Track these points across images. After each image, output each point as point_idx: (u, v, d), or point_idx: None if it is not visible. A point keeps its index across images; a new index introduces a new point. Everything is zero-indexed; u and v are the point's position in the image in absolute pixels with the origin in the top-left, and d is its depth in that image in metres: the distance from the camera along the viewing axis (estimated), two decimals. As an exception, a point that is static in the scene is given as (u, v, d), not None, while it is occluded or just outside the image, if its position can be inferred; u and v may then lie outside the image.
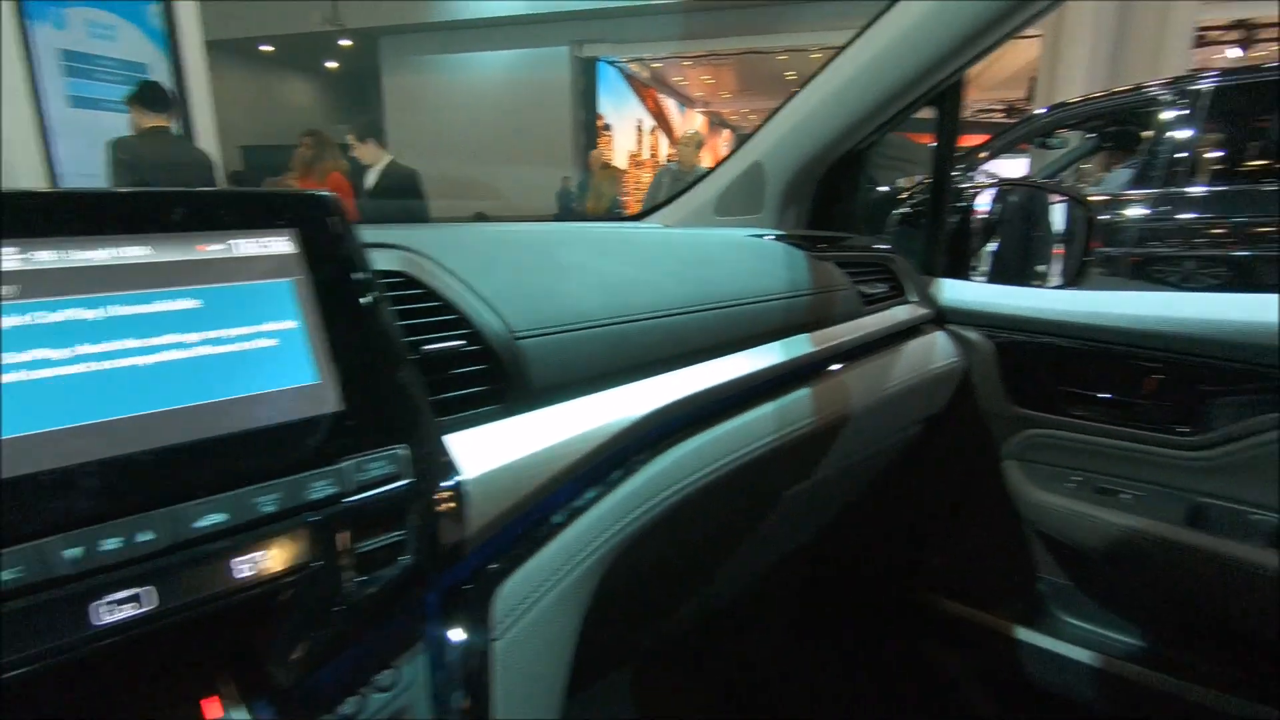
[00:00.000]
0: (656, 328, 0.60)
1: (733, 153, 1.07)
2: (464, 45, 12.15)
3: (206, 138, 4.09)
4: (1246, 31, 9.12)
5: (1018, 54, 12.04)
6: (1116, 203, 3.44)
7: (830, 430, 0.71)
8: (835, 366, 0.76)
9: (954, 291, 0.99)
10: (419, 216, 3.88)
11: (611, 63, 12.58)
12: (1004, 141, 4.09)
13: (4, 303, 0.31)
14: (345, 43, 12.38)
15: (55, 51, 3.51)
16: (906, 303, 0.94)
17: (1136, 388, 0.84)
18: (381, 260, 0.49)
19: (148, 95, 3.04)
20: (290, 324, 0.38)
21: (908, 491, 1.05)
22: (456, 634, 0.41)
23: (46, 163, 3.45)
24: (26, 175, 3.31)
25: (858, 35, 0.88)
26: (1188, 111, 3.33)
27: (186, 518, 0.31)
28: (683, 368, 0.61)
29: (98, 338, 0.33)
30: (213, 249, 0.37)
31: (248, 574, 0.32)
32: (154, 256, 0.35)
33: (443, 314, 0.48)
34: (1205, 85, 3.35)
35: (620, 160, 13.22)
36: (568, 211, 8.70)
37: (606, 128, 12.89)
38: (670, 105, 15.89)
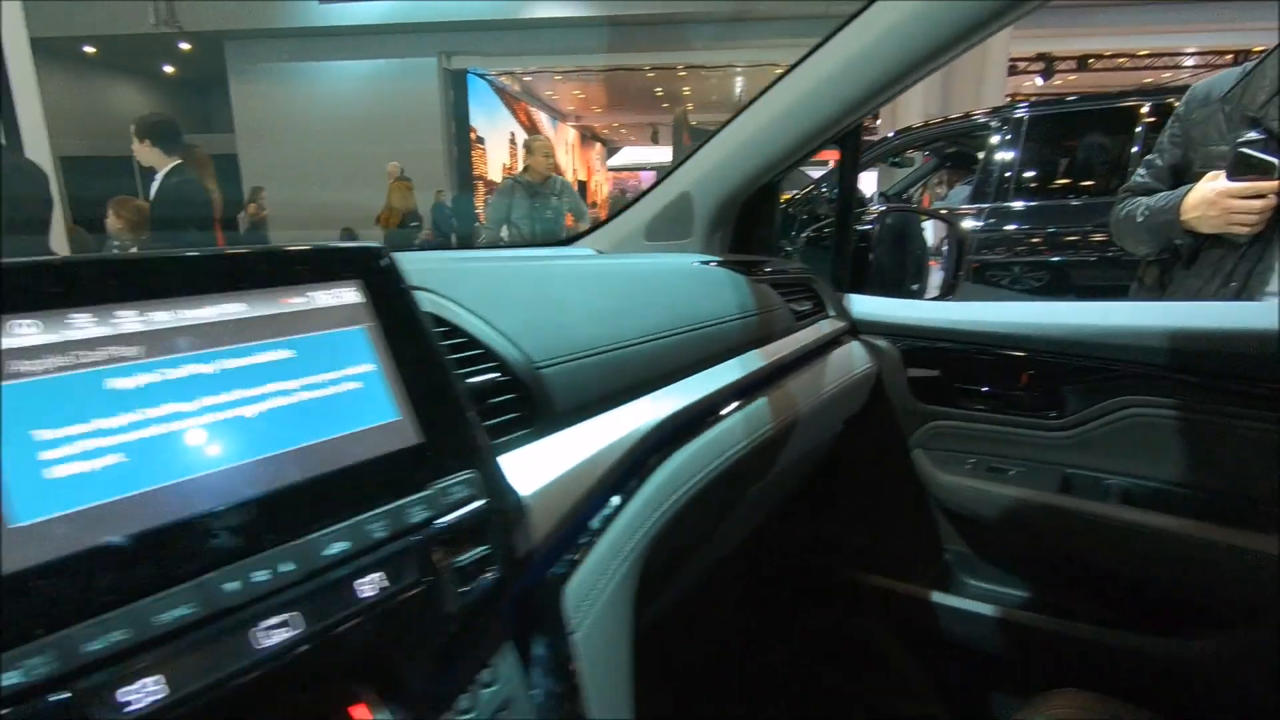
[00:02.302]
0: (643, 352, 0.67)
1: (659, 181, 1.15)
2: (323, 54, 11.55)
3: (38, 148, 3.66)
4: (1046, 63, 10.59)
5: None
6: (959, 216, 3.89)
7: (784, 433, 0.81)
8: (782, 377, 0.86)
9: (862, 305, 1.13)
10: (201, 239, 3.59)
11: (481, 75, 12.43)
12: (864, 160, 4.49)
13: (134, 362, 0.33)
14: (185, 46, 11.40)
15: None
16: (828, 317, 1.07)
17: (1013, 382, 1.02)
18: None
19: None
20: (369, 367, 0.41)
21: (832, 483, 1.18)
22: (540, 632, 0.47)
23: None
24: None
25: (777, 81, 0.99)
26: (1010, 136, 3.84)
27: (317, 548, 0.34)
28: (666, 386, 0.68)
29: (216, 389, 0.35)
30: (295, 302, 0.40)
31: (369, 594, 0.36)
32: (249, 312, 0.38)
33: (471, 349, 0.53)
34: (1021, 114, 3.88)
35: (494, 172, 13.08)
36: (446, 227, 8.45)
37: (480, 140, 12.71)
38: (543, 118, 15.92)
